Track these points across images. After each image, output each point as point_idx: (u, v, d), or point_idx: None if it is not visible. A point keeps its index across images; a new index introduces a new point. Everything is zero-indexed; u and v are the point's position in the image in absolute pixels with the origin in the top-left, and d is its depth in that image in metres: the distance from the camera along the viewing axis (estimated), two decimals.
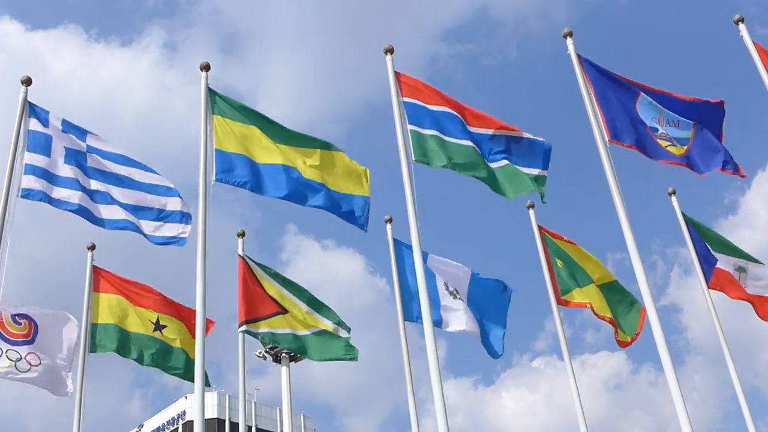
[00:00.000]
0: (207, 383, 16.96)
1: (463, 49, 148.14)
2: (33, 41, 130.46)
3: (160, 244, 13.21)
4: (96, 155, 13.33)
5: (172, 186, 13.66)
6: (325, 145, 13.11)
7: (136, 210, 13.18)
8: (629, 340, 17.75)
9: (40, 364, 15.01)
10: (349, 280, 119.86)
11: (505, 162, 12.86)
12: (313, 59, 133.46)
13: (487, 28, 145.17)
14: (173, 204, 13.51)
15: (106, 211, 12.92)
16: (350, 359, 16.13)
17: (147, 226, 13.19)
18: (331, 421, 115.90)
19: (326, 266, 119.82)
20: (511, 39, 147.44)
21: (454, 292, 17.04)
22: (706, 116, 13.46)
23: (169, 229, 13.27)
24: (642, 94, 13.19)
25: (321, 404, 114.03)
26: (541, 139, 13.12)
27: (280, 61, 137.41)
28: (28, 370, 14.86)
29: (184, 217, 13.38)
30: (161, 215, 13.31)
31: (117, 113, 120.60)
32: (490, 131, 12.99)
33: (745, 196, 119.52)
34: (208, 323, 16.88)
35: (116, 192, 13.17)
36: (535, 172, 12.94)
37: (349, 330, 16.35)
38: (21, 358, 14.90)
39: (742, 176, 13.40)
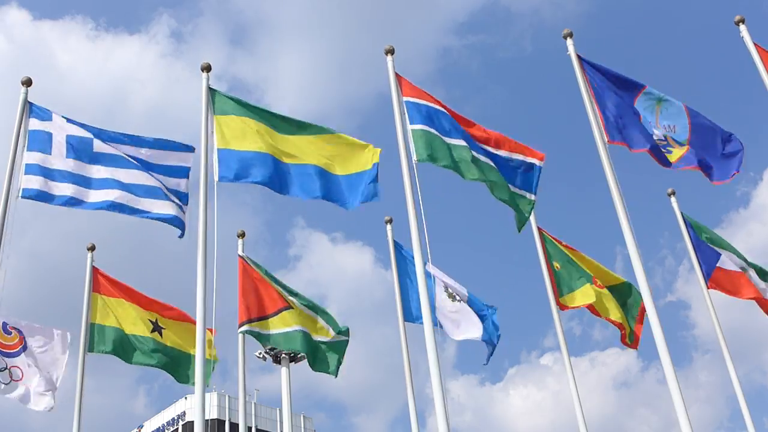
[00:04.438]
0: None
1: (476, 39, 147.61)
2: (40, 30, 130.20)
3: (159, 219, 12.71)
4: (102, 140, 13.00)
5: (185, 165, 13.21)
6: (324, 130, 12.85)
7: (140, 189, 12.71)
8: (635, 342, 17.66)
9: (22, 377, 14.94)
10: (359, 274, 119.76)
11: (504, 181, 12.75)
12: (324, 51, 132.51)
13: (499, 19, 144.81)
14: (183, 185, 13.10)
15: (95, 195, 12.43)
16: (332, 374, 15.94)
17: (150, 204, 12.61)
18: (341, 419, 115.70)
19: (336, 261, 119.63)
20: (527, 31, 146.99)
21: (454, 295, 17.06)
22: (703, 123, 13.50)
23: (172, 208, 12.86)
24: (641, 93, 13.22)
25: (333, 402, 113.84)
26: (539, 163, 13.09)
27: (289, 53, 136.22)
28: (8, 383, 14.79)
29: (184, 198, 12.98)
30: (167, 195, 12.84)
31: (124, 104, 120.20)
32: (500, 152, 12.93)
33: (757, 189, 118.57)
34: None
35: (122, 174, 12.72)
36: (529, 196, 12.92)
37: (347, 335, 16.22)
38: (6, 368, 14.83)
39: (730, 178, 13.41)
